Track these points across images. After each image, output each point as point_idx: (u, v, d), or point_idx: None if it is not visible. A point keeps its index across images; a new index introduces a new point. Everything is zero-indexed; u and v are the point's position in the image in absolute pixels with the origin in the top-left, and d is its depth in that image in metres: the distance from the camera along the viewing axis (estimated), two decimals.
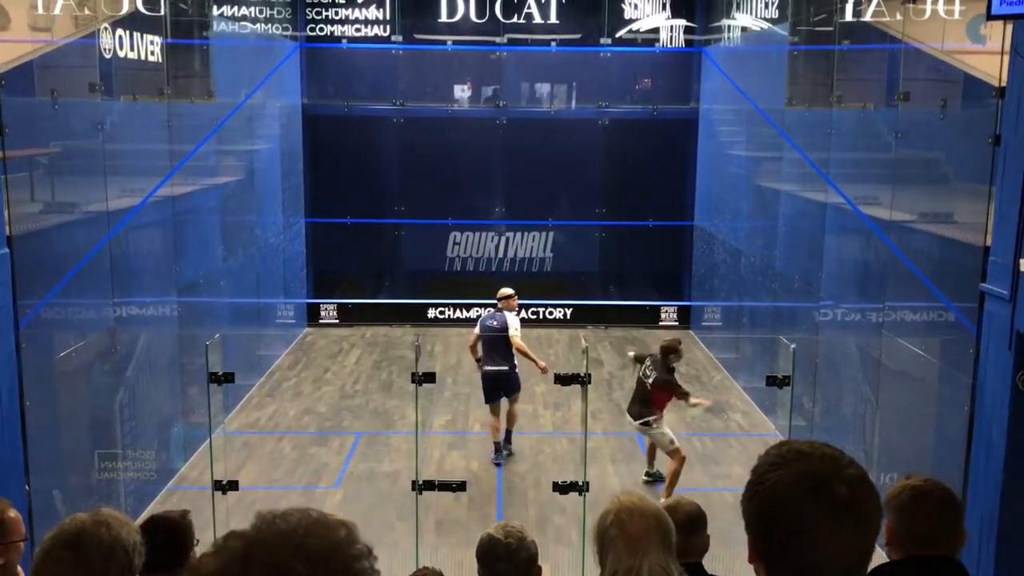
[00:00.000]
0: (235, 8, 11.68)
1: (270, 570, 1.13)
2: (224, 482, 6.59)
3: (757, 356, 11.60)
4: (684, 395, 8.52)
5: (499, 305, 9.60)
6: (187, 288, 9.48)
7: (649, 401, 8.46)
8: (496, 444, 9.48)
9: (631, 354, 9.43)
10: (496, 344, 9.30)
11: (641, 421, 8.49)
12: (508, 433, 9.60)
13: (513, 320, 9.39)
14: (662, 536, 2.55)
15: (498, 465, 9.33)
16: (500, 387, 9.39)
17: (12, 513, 3.23)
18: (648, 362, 8.67)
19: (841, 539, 1.50)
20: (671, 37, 14.60)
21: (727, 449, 9.75)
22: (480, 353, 9.49)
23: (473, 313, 14.95)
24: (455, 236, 15.00)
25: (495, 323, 9.40)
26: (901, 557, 2.64)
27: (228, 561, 1.15)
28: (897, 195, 7.85)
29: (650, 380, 8.49)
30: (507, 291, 9.71)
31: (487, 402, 9.49)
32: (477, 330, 9.53)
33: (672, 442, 8.39)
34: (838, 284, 9.04)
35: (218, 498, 6.51)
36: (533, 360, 9.25)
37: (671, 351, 8.58)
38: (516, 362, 9.35)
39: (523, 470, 9.21)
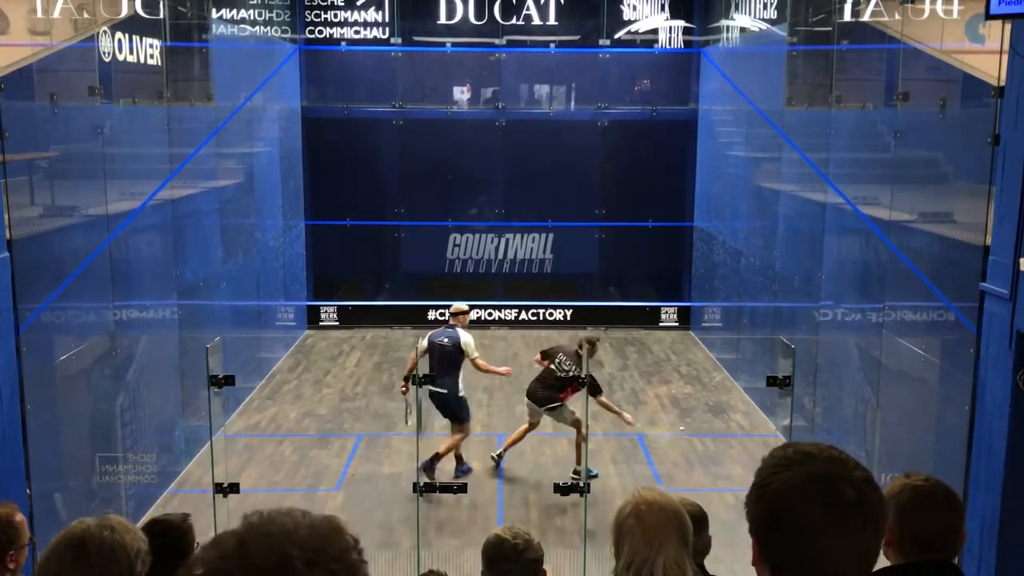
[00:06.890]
0: (234, 11, 11.69)
1: (268, 557, 1.13)
2: (225, 485, 6.59)
3: (757, 357, 11.60)
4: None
5: (451, 321, 9.08)
6: (187, 291, 9.48)
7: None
8: (457, 456, 9.11)
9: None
10: (443, 362, 8.65)
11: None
12: (434, 458, 8.73)
13: (467, 337, 8.81)
14: (679, 532, 2.55)
15: (462, 474, 8.97)
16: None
17: (19, 517, 3.24)
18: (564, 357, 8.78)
19: (847, 542, 1.50)
20: (670, 38, 14.60)
21: (727, 450, 9.75)
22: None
23: (473, 315, 14.96)
24: (455, 238, 15.00)
25: (445, 340, 8.75)
26: (900, 557, 2.61)
27: (223, 554, 1.15)
28: (897, 195, 7.85)
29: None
30: (462, 306, 9.28)
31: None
32: (425, 344, 8.73)
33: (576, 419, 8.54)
34: (838, 284, 9.04)
35: (219, 501, 6.51)
36: (496, 373, 9.12)
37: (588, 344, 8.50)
38: (461, 387, 8.80)
39: (524, 472, 9.20)
